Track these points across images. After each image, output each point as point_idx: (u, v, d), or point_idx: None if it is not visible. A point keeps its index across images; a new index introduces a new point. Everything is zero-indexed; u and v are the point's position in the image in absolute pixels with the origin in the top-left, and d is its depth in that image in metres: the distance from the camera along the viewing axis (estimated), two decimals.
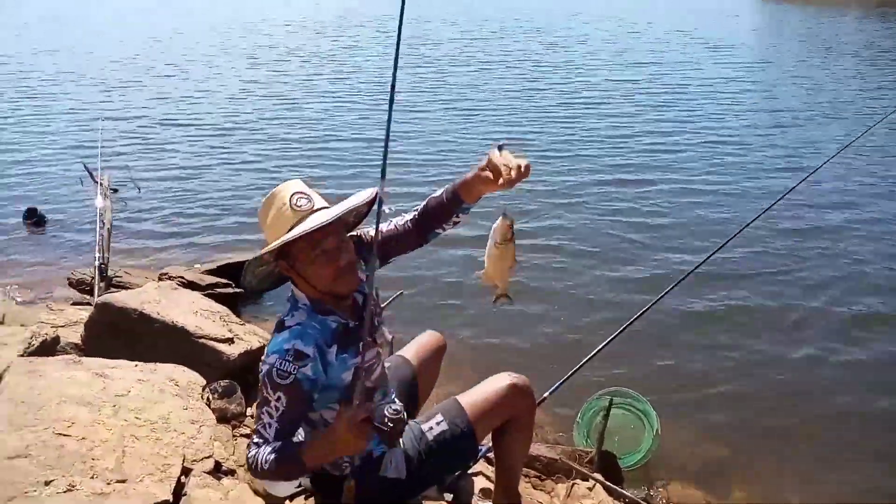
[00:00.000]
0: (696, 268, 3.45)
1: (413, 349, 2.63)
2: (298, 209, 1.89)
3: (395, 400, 2.24)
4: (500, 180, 1.76)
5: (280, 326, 1.94)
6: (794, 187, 4.04)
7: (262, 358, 1.89)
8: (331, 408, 1.96)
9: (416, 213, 2.05)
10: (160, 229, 7.09)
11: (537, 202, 7.40)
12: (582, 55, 17.56)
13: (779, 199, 3.79)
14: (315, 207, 1.89)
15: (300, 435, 1.97)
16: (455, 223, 2.03)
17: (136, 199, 7.90)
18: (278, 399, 1.84)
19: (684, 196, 7.64)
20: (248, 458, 1.91)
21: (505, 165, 1.76)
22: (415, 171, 8.61)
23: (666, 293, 3.40)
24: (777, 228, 6.61)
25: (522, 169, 1.76)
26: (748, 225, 3.64)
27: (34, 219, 7.24)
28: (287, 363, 1.83)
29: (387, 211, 1.98)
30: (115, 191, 7.28)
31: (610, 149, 9.49)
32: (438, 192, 2.00)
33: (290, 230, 1.87)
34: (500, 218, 1.81)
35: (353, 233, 2.10)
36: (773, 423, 4.03)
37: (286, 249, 1.87)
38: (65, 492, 1.88)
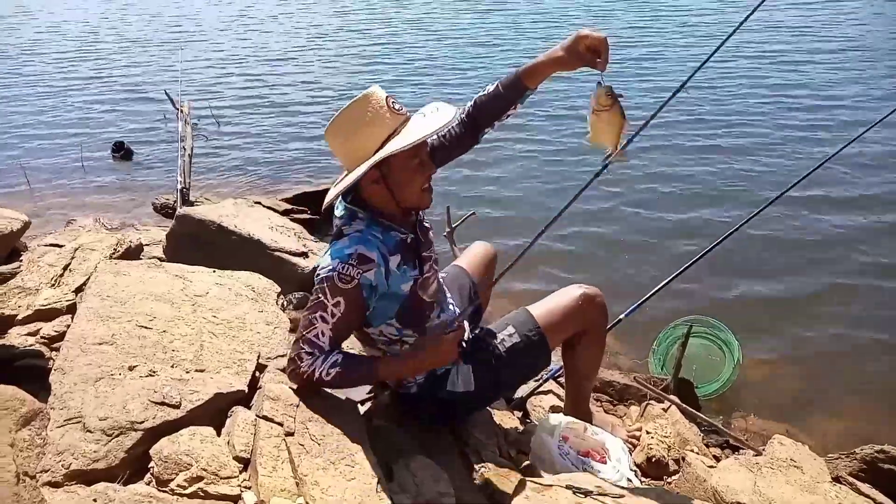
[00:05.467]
0: (786, 190, 3.23)
1: (466, 259, 2.59)
2: (398, 112, 1.81)
3: (456, 311, 2.21)
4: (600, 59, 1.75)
5: (339, 234, 1.90)
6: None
7: (319, 265, 1.85)
8: (389, 323, 1.94)
9: (464, 114, 1.99)
10: (238, 161, 7.26)
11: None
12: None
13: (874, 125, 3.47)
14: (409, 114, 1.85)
15: (392, 323, 1.95)
16: (510, 115, 1.98)
17: (216, 132, 8.11)
18: (336, 304, 1.80)
19: (773, 129, 7.24)
20: (299, 369, 1.82)
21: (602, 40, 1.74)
22: None
23: (753, 216, 3.19)
24: (869, 159, 6.18)
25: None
26: (835, 154, 3.35)
27: (121, 152, 7.54)
28: (350, 267, 1.79)
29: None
30: (196, 123, 7.45)
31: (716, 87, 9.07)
32: (489, 89, 1.95)
33: (391, 134, 1.79)
34: (597, 86, 1.78)
35: None
36: (863, 361, 3.80)
37: (386, 158, 1.77)
38: (146, 376, 1.94)
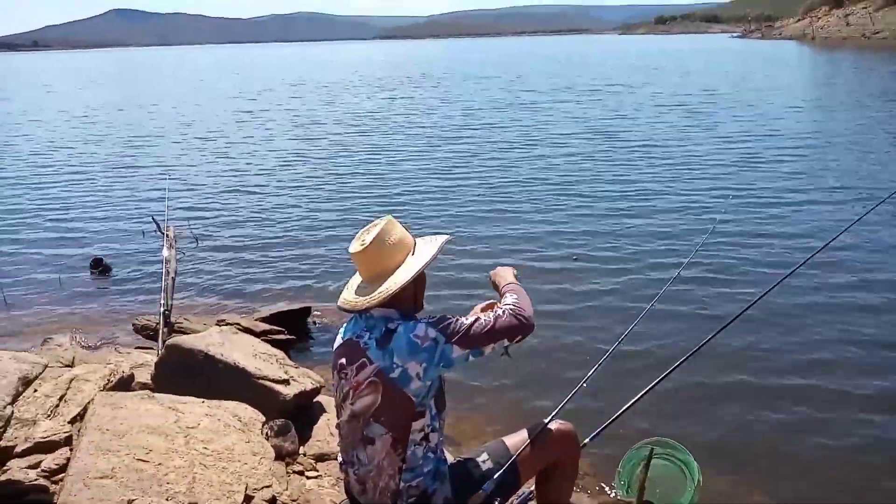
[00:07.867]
0: (741, 312, 3.44)
1: None
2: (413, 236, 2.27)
3: None
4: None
5: (389, 333, 2.10)
6: (847, 228, 3.96)
7: (417, 336, 2.06)
8: (430, 407, 2.16)
9: None
10: (216, 279, 7.43)
11: (583, 268, 7.59)
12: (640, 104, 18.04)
13: (829, 242, 3.70)
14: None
15: (431, 409, 2.17)
16: None
17: (193, 250, 8.33)
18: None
19: (732, 244, 7.73)
20: (521, 315, 2.17)
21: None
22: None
23: (708, 340, 3.41)
24: (829, 273, 6.62)
25: None
26: (796, 268, 3.53)
27: (99, 268, 7.69)
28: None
29: None
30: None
31: (676, 208, 9.68)
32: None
33: (414, 251, 2.20)
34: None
35: None
36: (817, 478, 4.00)
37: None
38: None
